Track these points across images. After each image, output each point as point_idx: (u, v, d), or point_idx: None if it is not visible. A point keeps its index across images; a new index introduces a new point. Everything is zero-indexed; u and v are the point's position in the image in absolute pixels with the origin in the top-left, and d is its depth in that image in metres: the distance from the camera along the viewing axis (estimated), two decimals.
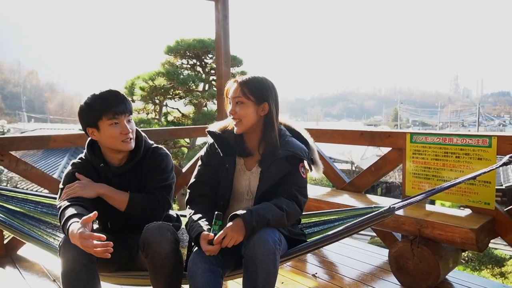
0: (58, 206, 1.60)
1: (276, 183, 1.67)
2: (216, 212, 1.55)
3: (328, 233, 1.67)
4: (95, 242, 1.34)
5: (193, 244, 1.67)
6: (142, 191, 1.75)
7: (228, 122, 1.78)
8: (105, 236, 1.35)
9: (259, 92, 1.68)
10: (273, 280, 1.48)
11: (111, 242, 1.34)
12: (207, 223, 1.58)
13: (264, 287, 1.46)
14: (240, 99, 1.67)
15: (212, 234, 1.49)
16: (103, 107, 1.63)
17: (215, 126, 1.81)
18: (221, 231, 1.48)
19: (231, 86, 1.72)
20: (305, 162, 1.73)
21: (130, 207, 1.68)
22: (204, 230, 1.53)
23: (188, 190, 1.78)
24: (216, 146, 1.73)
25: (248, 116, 1.67)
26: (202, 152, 1.82)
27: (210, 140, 1.79)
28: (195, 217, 1.63)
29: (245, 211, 1.51)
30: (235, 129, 1.71)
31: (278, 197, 1.64)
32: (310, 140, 1.82)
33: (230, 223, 1.51)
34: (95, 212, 1.42)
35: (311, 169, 1.77)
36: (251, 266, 1.46)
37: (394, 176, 18.28)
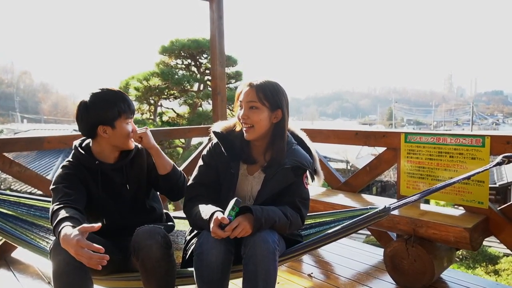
0: (51, 208, 1.56)
1: (278, 191, 1.65)
2: (236, 198, 1.49)
3: (324, 233, 1.67)
4: (91, 252, 1.30)
5: (192, 234, 1.68)
6: (142, 185, 1.78)
7: (234, 123, 1.73)
8: (103, 249, 1.31)
9: (274, 98, 1.62)
10: (273, 281, 1.45)
11: (107, 256, 1.31)
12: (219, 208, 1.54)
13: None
14: (254, 104, 1.60)
15: (228, 219, 1.44)
16: (123, 105, 1.65)
17: (220, 126, 1.74)
18: (235, 220, 1.45)
19: (244, 90, 1.64)
20: (308, 173, 1.70)
21: (173, 171, 1.77)
22: (220, 211, 1.49)
23: (187, 190, 1.75)
24: (223, 149, 1.68)
25: (262, 122, 1.61)
26: (204, 151, 1.77)
27: (213, 140, 1.73)
28: (204, 204, 1.61)
29: (255, 207, 1.49)
30: (246, 135, 1.64)
31: (283, 206, 1.62)
32: (313, 148, 1.79)
33: (241, 215, 1.48)
34: (99, 224, 1.37)
35: (313, 180, 1.74)
36: (251, 267, 1.43)
37: (389, 175, 18.33)
